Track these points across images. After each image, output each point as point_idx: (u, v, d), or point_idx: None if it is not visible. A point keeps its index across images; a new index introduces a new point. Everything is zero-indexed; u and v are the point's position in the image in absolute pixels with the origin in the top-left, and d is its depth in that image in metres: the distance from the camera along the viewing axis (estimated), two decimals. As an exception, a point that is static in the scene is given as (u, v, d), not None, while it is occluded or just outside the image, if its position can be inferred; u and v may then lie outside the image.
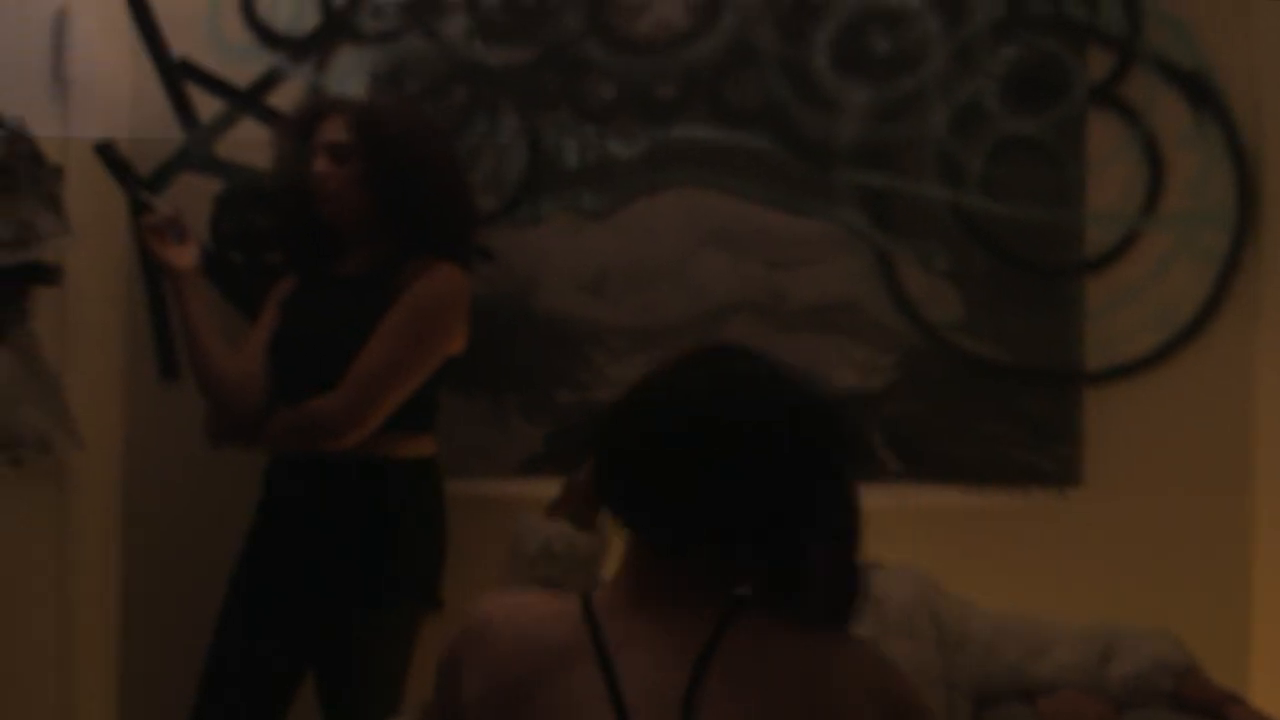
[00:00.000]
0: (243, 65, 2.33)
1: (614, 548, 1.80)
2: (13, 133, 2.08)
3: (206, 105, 2.34)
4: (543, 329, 2.29)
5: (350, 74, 2.31)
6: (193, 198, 2.32)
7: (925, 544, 2.22)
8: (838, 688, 1.00)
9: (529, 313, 2.29)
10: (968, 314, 2.25)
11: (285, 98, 2.32)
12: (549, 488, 2.27)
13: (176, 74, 2.33)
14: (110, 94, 2.30)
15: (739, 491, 1.02)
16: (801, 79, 2.26)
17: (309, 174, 1.96)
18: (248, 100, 2.33)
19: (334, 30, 2.31)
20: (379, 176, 1.93)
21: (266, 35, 2.33)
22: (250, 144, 2.31)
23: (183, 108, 2.33)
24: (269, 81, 2.32)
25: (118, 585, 2.35)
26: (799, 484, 1.03)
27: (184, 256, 2.03)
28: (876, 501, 2.29)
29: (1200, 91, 2.22)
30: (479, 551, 2.15)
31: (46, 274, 2.15)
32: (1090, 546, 2.21)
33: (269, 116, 2.32)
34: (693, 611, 1.03)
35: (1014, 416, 2.24)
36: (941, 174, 2.25)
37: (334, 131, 1.96)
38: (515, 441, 2.30)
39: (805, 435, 1.05)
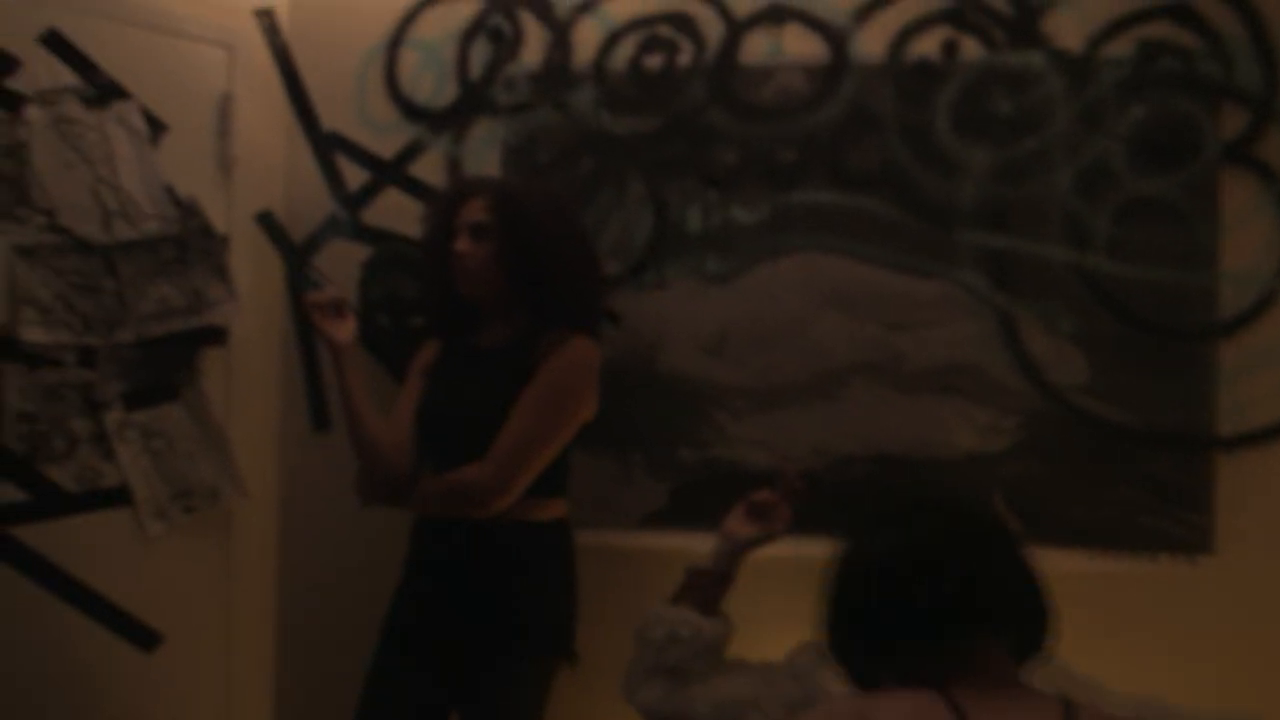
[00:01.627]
0: (387, 138, 2.43)
1: (738, 633, 1.85)
2: (188, 210, 2.23)
3: (355, 176, 2.45)
4: (667, 389, 2.32)
5: (485, 144, 2.39)
6: (342, 263, 2.44)
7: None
8: None
9: (653, 373, 2.33)
10: (1093, 377, 2.18)
11: (426, 168, 2.42)
12: (672, 541, 2.33)
13: (327, 147, 2.45)
14: (267, 167, 2.43)
15: (996, 589, 1.30)
16: (922, 142, 2.23)
17: (451, 252, 2.04)
18: (392, 171, 2.43)
19: (470, 104, 2.40)
20: (515, 256, 2.00)
21: (409, 110, 2.43)
22: (395, 212, 2.42)
23: (333, 178, 2.45)
24: (411, 153, 2.42)
25: (275, 620, 2.49)
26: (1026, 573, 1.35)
27: (344, 331, 2.12)
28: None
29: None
30: (604, 600, 2.21)
31: (215, 336, 2.30)
32: (1221, 616, 2.12)
33: (412, 186, 2.42)
34: (1026, 693, 1.26)
35: (1142, 481, 2.16)
36: (1066, 235, 2.19)
37: (475, 212, 2.03)
38: (640, 496, 2.35)
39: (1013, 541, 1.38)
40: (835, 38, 2.26)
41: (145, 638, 2.21)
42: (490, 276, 2.02)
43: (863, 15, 2.25)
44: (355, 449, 2.10)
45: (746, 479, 2.28)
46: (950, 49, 2.23)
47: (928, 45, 2.23)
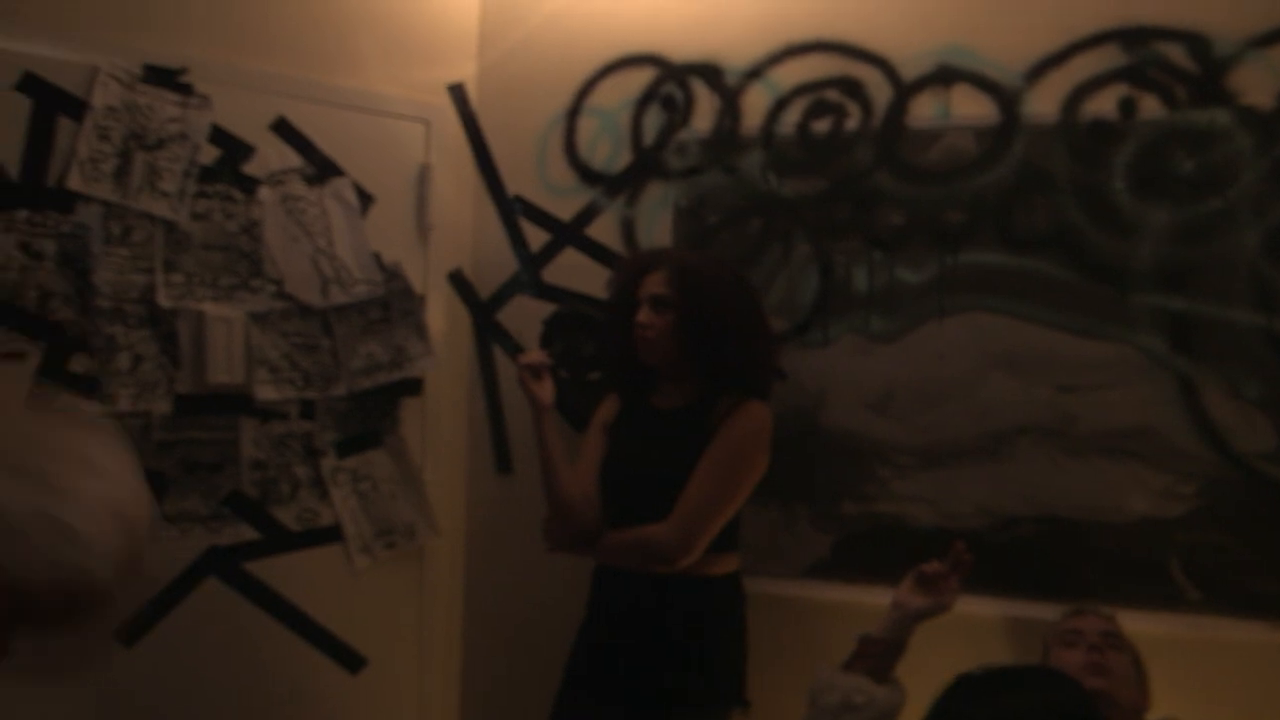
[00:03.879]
0: (566, 201, 2.51)
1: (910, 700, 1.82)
2: (392, 274, 2.38)
3: (536, 237, 2.55)
4: (830, 443, 2.31)
5: (657, 207, 2.44)
6: (524, 318, 2.53)
7: (1225, 679, 2.06)
8: None
9: (817, 427, 2.32)
10: (1280, 444, 2.05)
11: (602, 229, 2.48)
12: (835, 592, 2.32)
13: (511, 210, 2.56)
14: (458, 230, 2.55)
15: None
16: (1096, 202, 2.13)
17: (633, 321, 2.09)
18: (570, 232, 2.51)
19: (644, 168, 2.45)
20: (693, 327, 2.03)
21: (586, 174, 2.50)
22: (573, 271, 2.50)
23: (516, 239, 2.55)
24: (588, 215, 2.49)
25: (462, 646, 2.61)
26: None
27: (547, 393, 2.19)
28: (1172, 630, 2.15)
29: None
30: (770, 647, 2.22)
31: (412, 387, 2.44)
32: None
33: (589, 247, 2.49)
34: None
35: (1333, 555, 2.01)
36: (1252, 297, 2.06)
37: (656, 285, 2.07)
38: (803, 547, 2.34)
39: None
40: (1005, 98, 2.19)
41: (352, 660, 2.37)
42: (669, 345, 2.06)
43: (1034, 75, 2.17)
44: (549, 499, 2.16)
45: (910, 534, 2.26)
46: (1128, 107, 2.12)
47: (1103, 104, 2.13)
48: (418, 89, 2.46)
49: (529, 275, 2.53)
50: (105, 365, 2.02)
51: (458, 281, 2.55)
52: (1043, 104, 2.17)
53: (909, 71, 2.25)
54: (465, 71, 2.55)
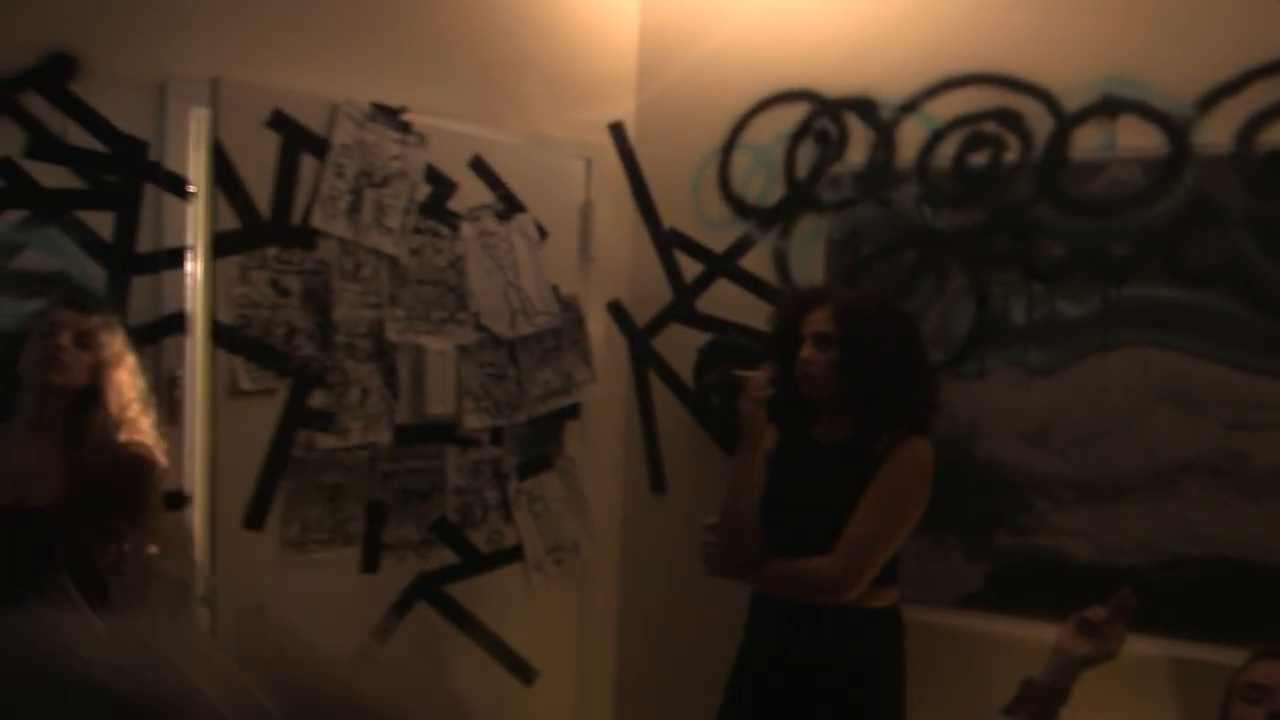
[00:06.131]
0: (720, 233, 2.51)
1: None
2: (566, 304, 2.44)
3: (690, 268, 2.56)
4: (984, 474, 2.24)
5: (810, 239, 2.42)
6: (678, 346, 2.56)
7: None
8: None
9: (971, 458, 2.26)
10: None
11: (755, 261, 2.48)
12: (987, 624, 2.25)
13: (667, 242, 2.58)
14: (617, 261, 2.59)
15: None
16: (1272, 235, 2.01)
17: (796, 356, 2.06)
18: (723, 263, 2.51)
19: (797, 201, 2.43)
20: (856, 365, 2.00)
21: (740, 207, 2.50)
22: (726, 301, 2.51)
23: (671, 270, 2.57)
24: (741, 247, 2.49)
25: (617, 657, 2.66)
26: None
27: (768, 432, 2.10)
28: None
29: None
30: (922, 675, 2.17)
31: (574, 411, 2.50)
32: None
33: (741, 277, 2.49)
34: None
35: None
36: None
37: (819, 322, 2.03)
38: (955, 576, 2.29)
39: None
40: (1175, 128, 2.08)
41: (526, 673, 2.43)
42: (832, 381, 2.02)
43: (1205, 104, 2.05)
44: (731, 524, 2.07)
45: (1068, 569, 2.18)
46: (1309, 136, 1.99)
47: (1281, 133, 2.01)
48: (580, 128, 2.51)
49: (683, 304, 2.55)
50: (340, 399, 2.05)
51: (616, 310, 2.59)
52: (1215, 134, 2.05)
53: (1071, 102, 2.16)
54: (624, 109, 2.59)
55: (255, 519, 1.96)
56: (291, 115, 1.96)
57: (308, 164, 1.99)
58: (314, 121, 1.99)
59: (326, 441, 2.02)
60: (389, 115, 2.10)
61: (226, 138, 1.87)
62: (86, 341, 1.78)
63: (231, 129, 1.88)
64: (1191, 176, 2.07)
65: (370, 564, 2.14)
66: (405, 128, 2.13)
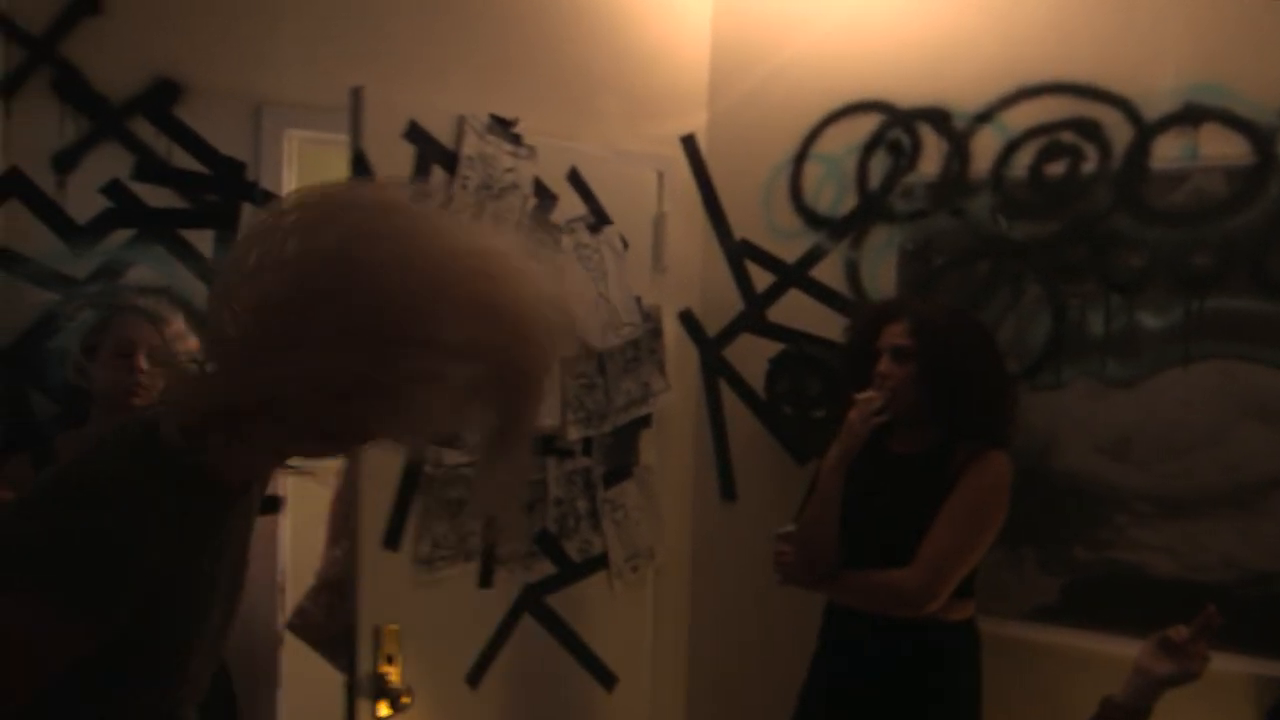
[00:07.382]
0: (791, 244, 2.49)
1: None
2: (647, 315, 2.44)
3: (761, 278, 2.55)
4: (1061, 487, 2.19)
5: (882, 250, 2.39)
6: (749, 357, 2.54)
7: None
8: None
9: (1047, 470, 2.20)
10: None
11: (826, 272, 2.46)
12: (1062, 637, 2.20)
13: (738, 253, 2.57)
14: (688, 271, 2.59)
15: None
16: (1366, 244, 1.94)
17: (873, 370, 2.03)
18: (794, 274, 2.49)
19: (869, 212, 2.40)
20: (933, 378, 1.98)
21: (811, 218, 2.48)
22: (797, 311, 2.49)
23: (742, 281, 2.56)
24: (812, 258, 2.47)
25: (688, 661, 2.66)
26: None
27: (864, 441, 2.05)
28: None
29: None
30: (1000, 688, 2.12)
31: (648, 420, 2.50)
32: None
33: (813, 288, 2.47)
34: None
35: None
36: None
37: (896, 336, 2.01)
38: (1030, 589, 2.23)
39: None
40: (1261, 136, 2.01)
41: (608, 678, 2.43)
42: (910, 395, 2.00)
43: (1294, 112, 1.99)
44: (811, 534, 2.04)
45: (1149, 584, 2.11)
46: (1404, 143, 1.91)
47: (1375, 140, 1.93)
48: (653, 141, 2.52)
49: (754, 315, 2.54)
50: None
51: (688, 320, 2.59)
52: (1303, 142, 1.98)
53: (1151, 111, 2.11)
54: (696, 122, 2.59)
55: (393, 538, 1.97)
56: (426, 128, 1.96)
57: (436, 176, 1.98)
58: (442, 134, 1.99)
59: (452, 456, 2.03)
60: (504, 127, 2.11)
61: (368, 148, 1.83)
62: (164, 357, 1.79)
63: (371, 141, 1.85)
64: (1277, 186, 2.00)
65: (486, 579, 2.16)
66: (517, 139, 2.14)
